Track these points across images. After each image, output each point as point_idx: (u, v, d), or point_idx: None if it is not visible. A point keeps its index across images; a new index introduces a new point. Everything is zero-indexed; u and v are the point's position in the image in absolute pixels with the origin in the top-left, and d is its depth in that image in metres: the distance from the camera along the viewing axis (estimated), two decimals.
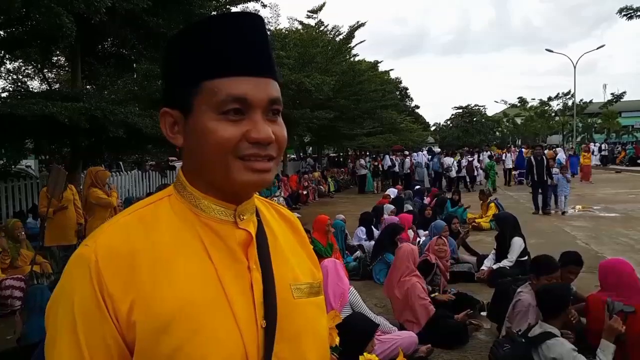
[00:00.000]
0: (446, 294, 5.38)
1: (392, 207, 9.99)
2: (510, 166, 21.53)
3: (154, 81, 11.13)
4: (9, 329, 4.98)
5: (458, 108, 56.99)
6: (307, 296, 0.95)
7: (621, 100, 39.22)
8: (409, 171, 21.31)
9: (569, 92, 39.19)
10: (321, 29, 20.19)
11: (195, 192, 0.90)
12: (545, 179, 12.43)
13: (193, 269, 0.85)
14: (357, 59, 25.40)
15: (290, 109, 17.64)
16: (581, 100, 39.64)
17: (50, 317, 0.83)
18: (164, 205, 0.91)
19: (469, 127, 54.05)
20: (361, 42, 20.70)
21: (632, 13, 18.02)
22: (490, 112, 58.27)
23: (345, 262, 7.06)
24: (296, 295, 0.93)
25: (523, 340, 3.45)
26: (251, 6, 12.82)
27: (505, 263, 6.58)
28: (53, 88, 14.03)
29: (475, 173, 20.47)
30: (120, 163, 19.78)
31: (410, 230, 8.13)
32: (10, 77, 15.54)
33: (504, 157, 20.82)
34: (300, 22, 20.40)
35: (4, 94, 12.21)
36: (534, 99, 42.71)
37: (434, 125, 68.76)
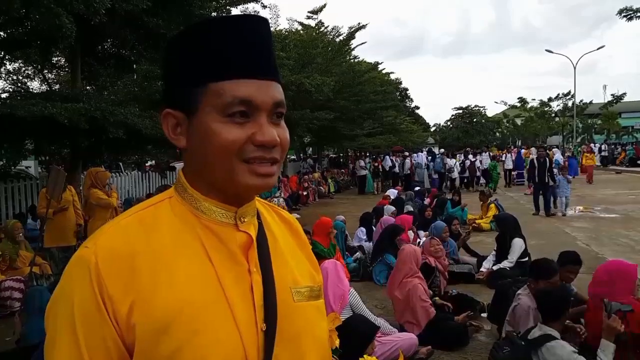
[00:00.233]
0: (444, 303, 5.32)
1: (392, 208, 9.98)
2: (510, 167, 21.54)
3: (154, 82, 11.12)
4: (8, 330, 4.98)
5: (458, 109, 57.09)
6: (307, 299, 0.95)
7: (621, 101, 39.20)
8: (409, 172, 21.32)
9: (569, 93, 39.19)
10: (321, 29, 20.18)
11: (196, 194, 0.90)
12: (547, 180, 12.34)
13: (193, 271, 0.84)
14: (357, 60, 25.42)
15: (290, 109, 17.62)
16: (581, 101, 39.65)
17: (49, 318, 0.83)
18: (165, 207, 0.91)
19: (469, 128, 54.10)
20: (362, 43, 20.71)
21: (632, 14, 18.00)
22: (490, 113, 58.39)
23: (345, 263, 7.05)
24: (296, 299, 0.93)
25: (522, 342, 3.44)
26: (251, 7, 12.79)
27: (505, 264, 6.57)
28: (53, 89, 14.02)
29: (478, 174, 20.46)
30: (120, 164, 19.79)
31: (410, 231, 8.12)
32: (10, 78, 15.55)
33: (503, 158, 20.82)
34: (300, 23, 20.39)
35: (4, 95, 12.20)
36: (534, 99, 42.71)
37: (434, 126, 68.83)
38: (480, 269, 6.85)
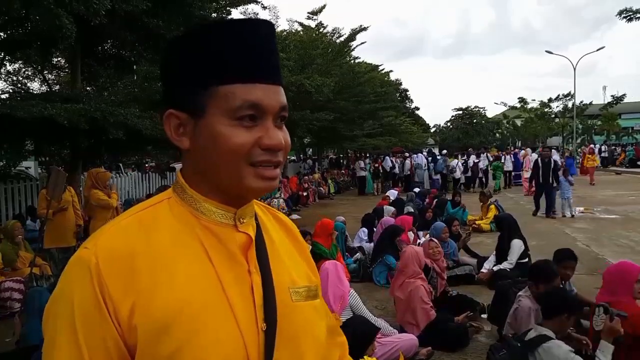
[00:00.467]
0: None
1: (392, 208, 9.99)
2: (510, 168, 21.53)
3: (154, 83, 11.13)
4: (8, 331, 4.97)
5: (458, 109, 57.20)
6: (305, 299, 0.96)
7: (621, 102, 39.21)
8: (409, 173, 21.33)
9: (568, 94, 39.17)
10: (321, 30, 20.18)
11: (196, 195, 0.90)
12: (551, 181, 12.21)
13: (194, 271, 0.85)
14: (357, 60, 25.42)
15: (290, 110, 17.54)
16: (581, 102, 39.65)
17: (49, 318, 0.83)
18: (164, 208, 0.91)
19: (469, 129, 54.18)
20: (361, 43, 20.68)
21: (632, 15, 17.97)
22: (490, 114, 58.47)
23: (345, 264, 7.05)
24: (295, 298, 0.93)
25: (519, 344, 3.43)
26: (251, 8, 12.79)
27: (505, 265, 6.57)
28: (53, 89, 14.01)
29: (481, 174, 20.45)
30: (120, 164, 19.79)
31: (410, 232, 8.12)
32: (10, 79, 15.55)
33: (502, 160, 20.80)
34: (300, 24, 20.39)
35: (4, 96, 12.21)
36: (534, 100, 42.72)
37: (434, 126, 68.86)
38: (481, 270, 6.85)
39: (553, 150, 19.35)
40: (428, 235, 7.26)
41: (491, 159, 22.00)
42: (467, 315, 4.85)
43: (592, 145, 27.92)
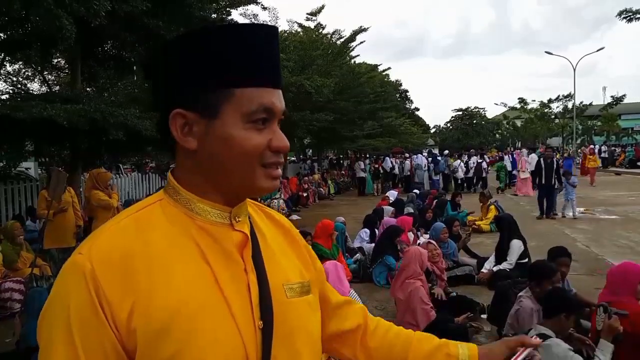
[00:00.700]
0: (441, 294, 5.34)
1: (391, 209, 10.00)
2: (510, 169, 21.52)
3: None
4: (8, 332, 4.97)
5: (458, 110, 57.20)
6: (299, 295, 0.97)
7: (621, 102, 39.20)
8: (408, 173, 21.33)
9: (568, 95, 39.17)
10: (320, 31, 20.19)
11: (190, 195, 0.90)
12: (553, 182, 12.08)
13: (190, 272, 0.85)
14: (357, 61, 25.44)
15: (290, 111, 17.63)
16: (581, 102, 39.63)
17: (44, 325, 0.82)
18: (156, 209, 0.91)
19: (469, 130, 54.19)
20: (361, 43, 20.68)
21: (632, 15, 17.98)
22: (490, 115, 58.46)
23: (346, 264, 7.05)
24: (289, 295, 0.94)
25: None
26: (251, 9, 12.80)
27: (504, 265, 6.58)
28: (53, 90, 14.01)
29: (484, 174, 20.47)
30: (120, 165, 19.78)
31: (410, 232, 8.13)
32: (10, 80, 15.54)
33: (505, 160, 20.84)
34: (300, 25, 20.39)
35: (4, 97, 12.21)
36: (534, 101, 42.72)
37: (434, 127, 68.88)
38: (481, 270, 6.85)
39: (533, 154, 19.42)
40: (427, 235, 7.27)
41: (487, 160, 22.02)
42: (467, 317, 4.84)
43: (592, 146, 27.87)
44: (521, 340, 1.11)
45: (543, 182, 12.18)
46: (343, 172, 25.71)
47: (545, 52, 36.43)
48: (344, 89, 20.95)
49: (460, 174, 19.90)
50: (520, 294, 4.19)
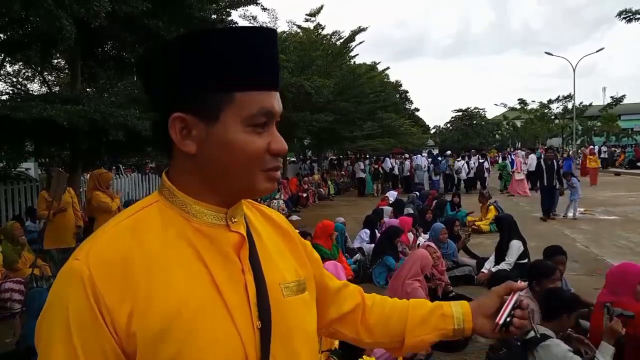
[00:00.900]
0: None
1: (389, 209, 10.02)
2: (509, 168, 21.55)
3: None
4: (8, 332, 4.98)
5: (458, 111, 57.19)
6: (295, 293, 0.97)
7: (621, 103, 39.24)
8: (408, 174, 21.33)
9: (568, 95, 39.23)
10: (320, 31, 20.21)
11: (186, 197, 0.90)
12: (554, 184, 11.97)
13: (188, 274, 0.85)
14: (357, 62, 25.47)
15: (290, 111, 17.65)
16: (581, 103, 39.68)
17: (42, 331, 0.82)
18: (152, 212, 0.90)
19: (469, 130, 54.18)
20: (360, 42, 20.71)
21: (632, 16, 17.98)
22: (490, 115, 58.49)
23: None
24: (286, 294, 0.95)
25: (518, 343, 3.43)
26: (250, 10, 12.81)
27: (503, 266, 6.59)
28: (53, 91, 14.01)
29: (485, 175, 20.48)
30: (120, 166, 19.79)
31: (410, 233, 8.14)
32: (10, 80, 15.54)
33: (500, 161, 20.86)
34: (299, 26, 20.41)
35: (4, 97, 12.22)
36: (534, 102, 42.79)
37: (433, 128, 68.82)
38: (481, 270, 6.86)
39: (532, 155, 19.45)
40: (427, 236, 7.27)
41: (489, 160, 22.04)
42: None
43: (592, 147, 27.88)
44: (509, 286, 1.15)
45: (545, 183, 12.02)
46: (343, 172, 25.71)
47: (545, 52, 36.64)
48: (343, 90, 20.97)
49: (464, 174, 19.89)
50: (520, 293, 4.19)
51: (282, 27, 22.28)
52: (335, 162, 30.56)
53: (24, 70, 15.86)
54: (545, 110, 42.26)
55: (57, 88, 15.26)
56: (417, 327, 1.17)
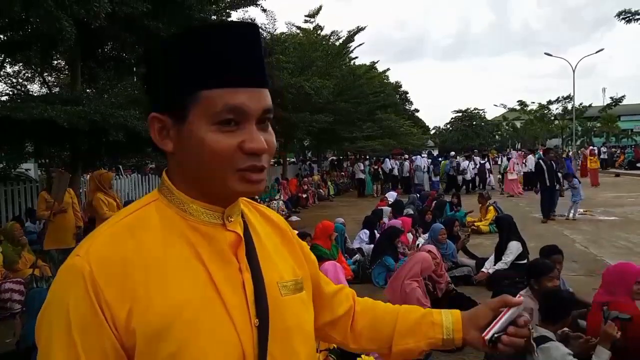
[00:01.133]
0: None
1: (389, 209, 10.03)
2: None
3: None
4: (8, 332, 4.99)
5: (458, 112, 57.24)
6: (293, 293, 0.98)
7: (620, 103, 39.23)
8: (408, 175, 21.34)
9: (568, 96, 39.22)
10: (319, 32, 20.23)
11: (183, 196, 0.91)
12: (555, 184, 11.92)
13: (186, 273, 0.86)
14: (357, 63, 25.47)
15: (289, 112, 17.67)
16: (580, 103, 39.69)
17: (42, 327, 0.82)
18: (151, 210, 0.91)
19: (469, 131, 54.19)
20: (360, 44, 20.81)
21: (631, 16, 18.00)
22: (489, 116, 58.52)
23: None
24: (283, 293, 0.95)
25: None
26: (250, 11, 12.84)
27: (500, 266, 6.61)
28: (53, 91, 14.01)
29: (487, 175, 20.45)
30: (120, 166, 19.80)
31: (410, 233, 8.15)
32: (9, 81, 15.54)
33: (499, 162, 20.84)
34: (298, 27, 20.44)
35: (4, 98, 12.22)
36: (533, 102, 42.81)
37: (433, 128, 68.81)
38: (481, 270, 6.86)
39: (530, 155, 19.47)
40: (426, 236, 7.28)
41: (492, 161, 22.03)
42: None
43: (592, 147, 27.85)
44: (503, 300, 1.07)
45: (547, 184, 11.85)
46: (343, 173, 25.72)
47: (545, 53, 36.52)
48: (343, 90, 20.99)
49: (469, 175, 19.88)
50: (520, 292, 4.20)
51: (281, 28, 22.28)
52: (336, 162, 30.59)
53: (24, 71, 15.86)
54: (545, 111, 42.27)
55: (57, 89, 15.26)
56: (405, 335, 1.14)
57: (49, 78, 16.06)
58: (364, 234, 8.83)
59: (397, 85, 45.10)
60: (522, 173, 19.07)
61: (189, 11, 9.12)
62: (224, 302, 0.86)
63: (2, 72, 13.27)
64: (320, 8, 19.80)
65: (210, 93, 0.84)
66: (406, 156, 24.01)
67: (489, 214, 10.81)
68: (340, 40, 20.45)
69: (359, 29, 20.04)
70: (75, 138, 8.60)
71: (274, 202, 14.42)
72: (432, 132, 66.87)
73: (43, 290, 4.59)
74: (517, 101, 42.05)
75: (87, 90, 12.25)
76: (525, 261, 6.55)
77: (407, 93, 51.67)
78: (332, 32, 20.61)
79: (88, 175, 12.31)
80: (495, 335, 1.03)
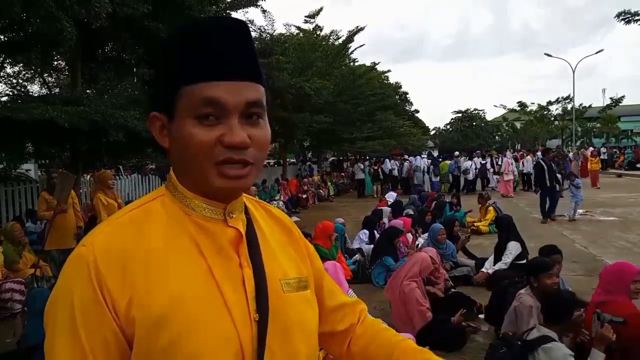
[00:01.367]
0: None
1: (388, 209, 10.04)
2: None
3: None
4: (9, 332, 5.00)
5: (457, 112, 57.09)
6: (296, 290, 0.98)
7: (620, 104, 39.22)
8: (407, 175, 21.34)
9: (568, 97, 39.22)
10: (318, 33, 20.24)
11: (185, 191, 0.93)
12: (554, 185, 11.91)
13: (187, 266, 0.87)
14: (356, 63, 25.47)
15: (289, 113, 17.68)
16: (580, 104, 39.68)
17: (49, 316, 0.85)
18: (157, 205, 0.94)
19: (469, 132, 54.10)
20: (360, 45, 20.84)
21: (630, 17, 18.02)
22: (489, 117, 58.40)
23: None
24: (286, 290, 0.96)
25: (519, 343, 3.45)
26: (251, 11, 12.84)
27: (499, 265, 6.62)
28: (53, 92, 14.02)
29: (488, 176, 20.42)
30: (120, 167, 19.80)
31: (409, 233, 8.16)
32: (10, 82, 15.55)
33: (499, 162, 20.80)
34: (298, 28, 20.44)
35: (4, 98, 12.23)
36: (533, 103, 42.78)
37: (433, 129, 68.72)
38: (481, 270, 6.87)
39: (529, 156, 19.49)
40: (426, 236, 7.28)
41: (494, 162, 22.01)
42: (462, 314, 4.84)
43: (592, 148, 27.82)
44: None
45: (547, 184, 11.81)
46: (342, 173, 25.72)
47: (545, 54, 36.46)
48: (343, 91, 21.00)
49: (471, 175, 19.89)
50: (520, 291, 4.22)
51: (279, 29, 22.25)
52: (335, 163, 30.59)
53: (24, 72, 15.87)
54: (545, 112, 42.25)
55: (58, 89, 15.27)
56: None
57: (49, 79, 16.06)
58: (364, 234, 8.84)
59: (397, 86, 45.09)
60: (515, 173, 19.12)
61: (189, 12, 9.14)
62: (223, 297, 0.87)
63: (2, 73, 13.28)
64: (321, 9, 19.84)
65: (191, 88, 0.86)
66: (406, 157, 24.00)
67: (488, 214, 10.82)
68: (340, 41, 20.46)
69: (359, 29, 20.07)
70: (76, 138, 8.61)
71: (274, 202, 14.43)
72: (432, 132, 66.82)
73: (44, 290, 4.61)
74: (517, 102, 42.09)
75: (88, 91, 12.26)
76: (524, 261, 6.56)
77: (407, 94, 51.65)
78: (331, 32, 20.64)
79: (88, 176, 12.36)
80: None
